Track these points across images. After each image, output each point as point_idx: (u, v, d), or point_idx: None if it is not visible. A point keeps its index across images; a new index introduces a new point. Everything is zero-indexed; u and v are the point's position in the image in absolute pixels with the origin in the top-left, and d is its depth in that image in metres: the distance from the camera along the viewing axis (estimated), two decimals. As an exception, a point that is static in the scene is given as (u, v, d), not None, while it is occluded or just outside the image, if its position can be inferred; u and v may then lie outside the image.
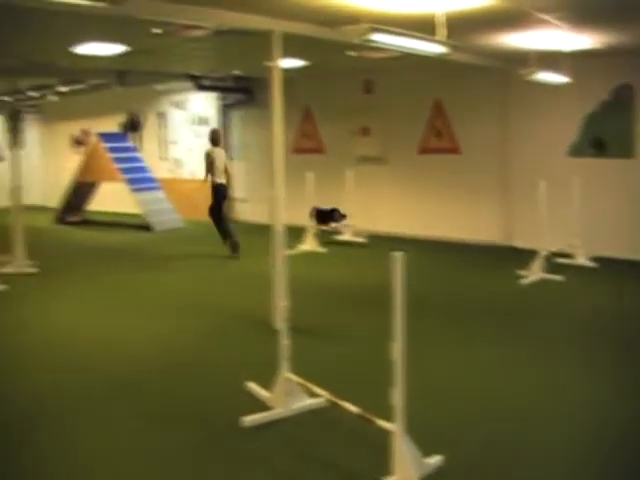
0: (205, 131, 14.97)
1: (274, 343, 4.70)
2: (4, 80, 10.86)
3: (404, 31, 5.30)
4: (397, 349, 3.57)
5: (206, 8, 6.30)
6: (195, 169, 15.21)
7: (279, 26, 6.62)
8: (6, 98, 15.75)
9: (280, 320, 4.83)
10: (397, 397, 3.59)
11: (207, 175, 10.58)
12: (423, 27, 6.06)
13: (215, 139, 10.79)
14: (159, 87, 15.13)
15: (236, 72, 13.31)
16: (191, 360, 5.94)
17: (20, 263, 9.88)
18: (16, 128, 10.46)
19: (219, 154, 10.66)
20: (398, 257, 3.51)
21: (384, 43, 5.28)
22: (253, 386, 5.03)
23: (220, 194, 10.61)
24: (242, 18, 6.54)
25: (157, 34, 7.72)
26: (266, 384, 4.84)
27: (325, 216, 12.14)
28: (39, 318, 7.48)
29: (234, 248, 10.58)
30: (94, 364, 5.83)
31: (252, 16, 6.55)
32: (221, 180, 10.60)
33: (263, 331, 6.56)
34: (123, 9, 5.36)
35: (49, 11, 5.75)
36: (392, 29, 5.15)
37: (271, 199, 6.57)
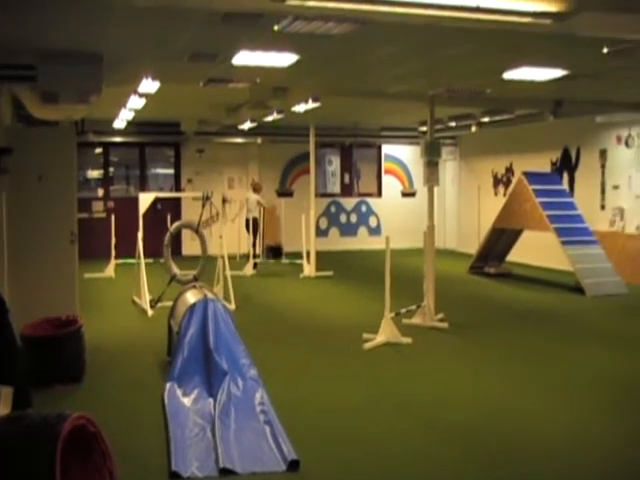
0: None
1: None
2: (422, 109, 11.84)
3: None
4: None
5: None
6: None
7: None
8: (424, 128, 17.01)
9: None
10: None
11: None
12: None
13: (255, 189, 17.83)
14: (600, 119, 14.96)
15: None
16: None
17: (429, 315, 10.50)
18: (433, 162, 11.18)
19: (252, 197, 17.47)
20: None
21: None
22: None
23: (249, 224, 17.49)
24: None
25: (604, 54, 7.70)
26: None
27: None
28: (446, 389, 7.63)
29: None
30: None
31: None
32: (251, 215, 17.47)
33: None
34: (569, 26, 5.48)
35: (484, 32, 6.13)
36: None
37: None
